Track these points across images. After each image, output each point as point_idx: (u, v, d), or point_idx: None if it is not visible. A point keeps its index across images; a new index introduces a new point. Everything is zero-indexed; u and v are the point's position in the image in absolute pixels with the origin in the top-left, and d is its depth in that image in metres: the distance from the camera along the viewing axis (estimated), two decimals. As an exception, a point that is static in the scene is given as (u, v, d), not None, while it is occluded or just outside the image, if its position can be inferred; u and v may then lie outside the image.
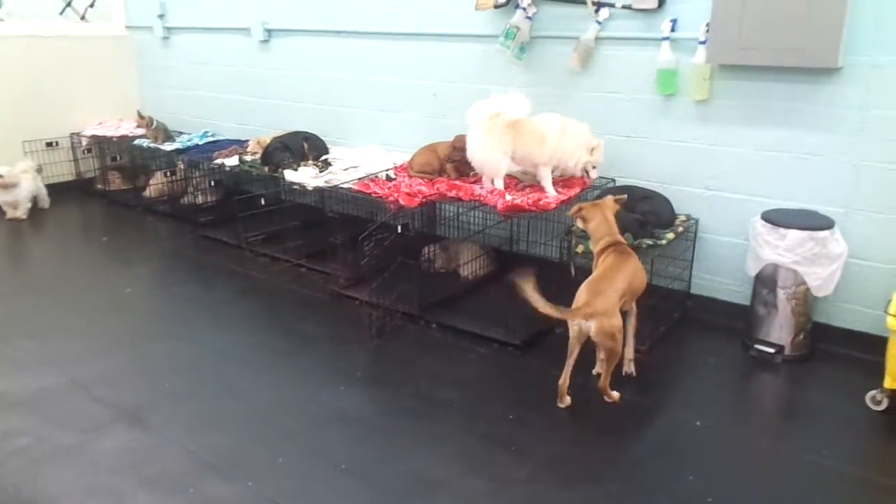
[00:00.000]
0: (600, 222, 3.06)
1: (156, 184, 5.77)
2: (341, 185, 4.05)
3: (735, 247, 3.63)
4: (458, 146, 3.89)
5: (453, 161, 3.94)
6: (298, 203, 4.26)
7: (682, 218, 3.63)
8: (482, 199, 3.49)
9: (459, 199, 3.62)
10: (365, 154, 4.73)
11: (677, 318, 3.70)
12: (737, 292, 3.69)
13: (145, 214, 5.61)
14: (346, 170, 4.49)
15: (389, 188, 3.87)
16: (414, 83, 4.61)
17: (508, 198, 3.38)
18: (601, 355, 2.96)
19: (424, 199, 3.64)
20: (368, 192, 3.82)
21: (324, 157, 4.69)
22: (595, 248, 3.08)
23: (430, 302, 3.79)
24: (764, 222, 3.26)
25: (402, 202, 3.62)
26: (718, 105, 3.52)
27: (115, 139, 5.83)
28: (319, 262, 4.38)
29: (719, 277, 3.73)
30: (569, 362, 2.90)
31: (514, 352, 3.39)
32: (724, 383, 3.22)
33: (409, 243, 3.69)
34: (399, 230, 3.51)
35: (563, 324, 2.93)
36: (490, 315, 3.63)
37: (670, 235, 3.39)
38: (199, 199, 5.37)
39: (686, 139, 3.66)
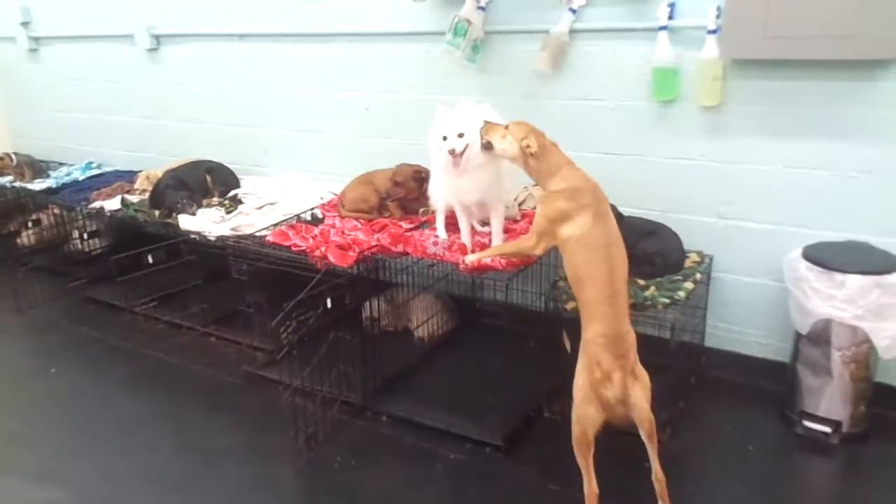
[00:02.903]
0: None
1: (32, 230, 4.65)
2: (252, 235, 3.10)
3: (760, 290, 2.87)
4: (400, 180, 3.00)
5: (396, 199, 3.05)
6: (201, 253, 3.32)
7: (694, 257, 2.84)
8: (438, 257, 2.62)
9: (406, 254, 2.73)
10: (284, 185, 3.79)
11: (695, 383, 2.91)
12: (763, 345, 2.93)
13: (16, 269, 4.47)
14: (260, 208, 3.55)
15: (314, 237, 2.95)
16: (340, 95, 3.70)
17: (471, 257, 2.50)
18: (645, 434, 2.14)
19: (361, 256, 2.73)
20: (287, 244, 2.89)
21: (232, 193, 3.73)
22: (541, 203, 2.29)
23: (378, 384, 2.89)
24: (809, 263, 2.50)
25: (331, 258, 2.71)
26: (733, 111, 2.74)
27: (-28, 177, 4.69)
28: (230, 329, 3.43)
29: (741, 327, 2.96)
30: (589, 459, 2.11)
31: (495, 455, 2.53)
32: (774, 481, 2.43)
33: (343, 299, 2.77)
34: (328, 305, 2.60)
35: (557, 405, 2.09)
36: (457, 399, 2.77)
37: (688, 285, 2.59)
38: (84, 247, 4.29)
39: (691, 155, 2.87)
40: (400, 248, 2.70)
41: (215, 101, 4.17)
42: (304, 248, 2.84)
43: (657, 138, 2.92)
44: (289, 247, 2.88)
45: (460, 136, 2.42)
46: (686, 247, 2.82)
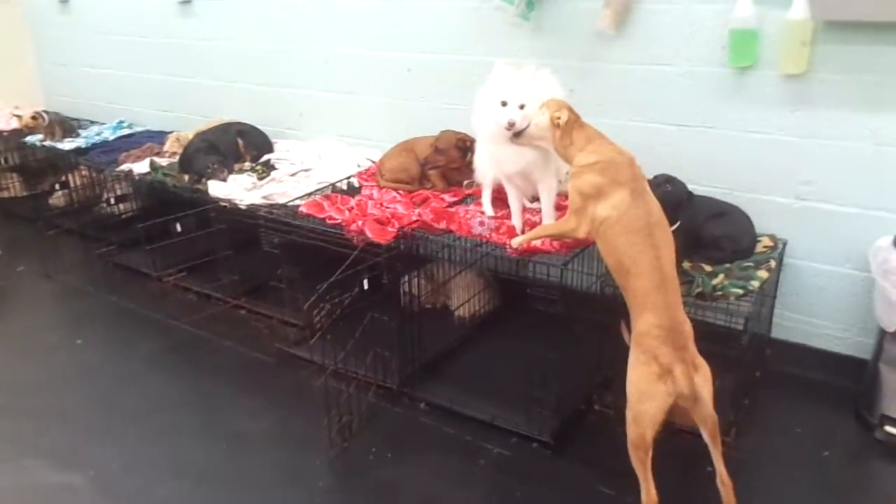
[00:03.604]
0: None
1: (62, 192, 4.54)
2: (285, 206, 2.91)
3: (839, 279, 2.60)
4: (441, 147, 2.77)
5: (436, 167, 2.83)
6: (232, 221, 3.15)
7: (766, 241, 2.57)
8: (484, 238, 2.39)
9: (450, 232, 2.51)
10: (320, 151, 3.59)
11: (759, 378, 2.67)
12: (838, 339, 2.67)
13: (46, 231, 4.37)
14: (293, 175, 3.36)
15: (350, 209, 2.75)
16: (381, 55, 3.45)
17: (520, 238, 2.27)
18: (708, 434, 1.94)
19: (400, 232, 2.52)
20: (322, 216, 2.70)
21: (265, 158, 3.54)
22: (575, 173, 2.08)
23: (416, 368, 2.71)
24: (904, 255, 2.22)
25: (369, 234, 2.51)
26: (820, 80, 2.44)
27: (3, 134, 4.58)
28: (261, 302, 3.28)
29: (815, 319, 2.70)
30: (647, 464, 1.90)
31: (542, 452, 2.34)
32: (852, 492, 2.21)
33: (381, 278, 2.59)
34: (365, 286, 2.40)
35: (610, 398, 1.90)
36: (501, 387, 2.58)
37: (762, 274, 2.33)
38: (113, 211, 4.16)
39: (769, 129, 2.58)
40: (443, 225, 2.49)
41: (249, 59, 3.95)
42: (339, 221, 2.64)
43: (731, 109, 2.63)
44: (323, 219, 2.69)
45: (521, 107, 2.16)
46: (757, 229, 2.56)
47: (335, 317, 2.32)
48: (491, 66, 2.62)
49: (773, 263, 2.41)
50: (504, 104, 2.17)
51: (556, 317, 2.33)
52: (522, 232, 2.39)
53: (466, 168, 2.84)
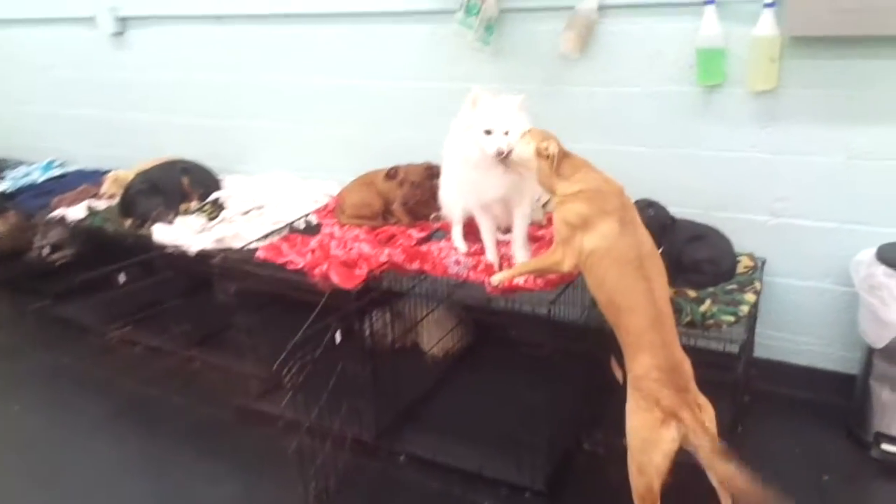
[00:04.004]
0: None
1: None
2: (240, 251, 2.70)
3: (819, 294, 2.56)
4: (415, 180, 2.64)
5: (405, 204, 2.68)
6: (181, 267, 2.92)
7: (746, 261, 2.51)
8: (462, 278, 2.25)
9: (424, 273, 2.36)
10: (272, 186, 3.39)
11: (749, 402, 2.60)
12: (822, 355, 2.63)
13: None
14: (245, 213, 3.15)
15: (313, 251, 2.57)
16: (335, 83, 3.28)
17: (500, 275, 2.14)
18: (718, 481, 1.78)
19: (370, 275, 2.36)
20: (282, 261, 2.51)
21: (213, 197, 3.32)
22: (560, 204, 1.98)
23: (392, 417, 2.54)
24: (889, 269, 2.18)
25: (335, 279, 2.33)
26: (790, 96, 2.40)
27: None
28: (217, 353, 3.04)
29: (797, 336, 2.65)
30: None
31: (536, 501, 2.21)
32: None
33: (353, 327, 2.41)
34: (337, 339, 2.22)
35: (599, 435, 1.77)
36: (485, 432, 2.43)
37: (749, 297, 2.26)
38: (47, 259, 3.83)
39: (741, 147, 2.53)
40: (416, 265, 2.33)
41: (191, 91, 3.73)
42: (301, 265, 2.46)
43: (701, 128, 2.57)
44: (284, 264, 2.49)
45: (506, 133, 2.05)
46: (734, 249, 2.49)
47: (306, 373, 2.13)
48: (451, 92, 2.52)
49: (757, 285, 2.34)
50: (489, 132, 2.05)
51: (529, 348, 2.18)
52: (500, 268, 2.25)
53: (433, 200, 2.70)
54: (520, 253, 2.26)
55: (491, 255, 2.31)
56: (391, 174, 2.74)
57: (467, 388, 2.79)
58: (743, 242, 2.55)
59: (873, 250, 2.30)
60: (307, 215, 2.97)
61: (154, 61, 3.80)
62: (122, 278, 3.04)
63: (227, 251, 2.75)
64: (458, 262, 2.27)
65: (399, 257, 2.36)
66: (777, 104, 2.42)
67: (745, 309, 2.19)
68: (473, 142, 2.10)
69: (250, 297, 2.63)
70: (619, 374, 2.13)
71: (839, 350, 2.58)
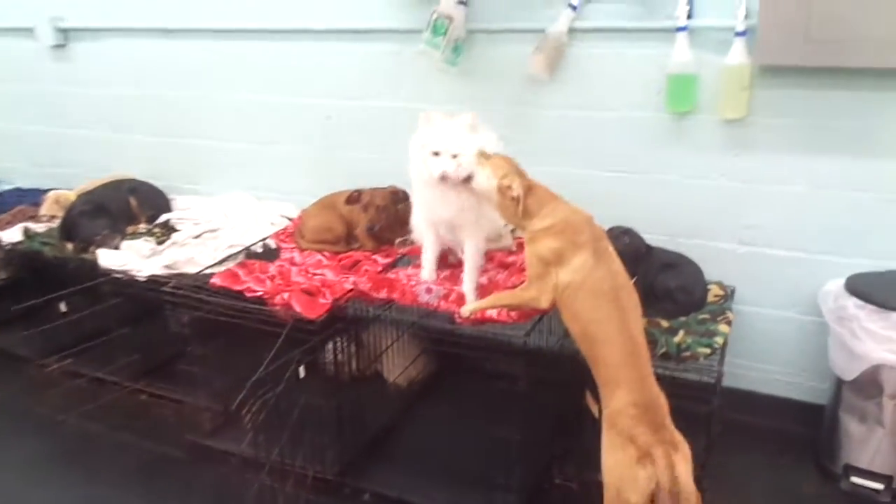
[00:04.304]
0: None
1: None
2: (194, 277, 2.55)
3: (787, 323, 2.56)
4: (381, 203, 2.54)
5: (370, 229, 2.58)
6: (129, 294, 2.74)
7: (716, 289, 2.49)
8: (432, 308, 2.15)
9: (392, 302, 2.26)
10: (227, 208, 3.24)
11: (720, 432, 2.56)
12: (790, 385, 2.63)
13: None
14: (198, 237, 2.99)
15: (272, 277, 2.43)
16: (297, 101, 3.16)
17: (471, 306, 2.05)
18: None
19: (335, 304, 2.24)
20: (239, 288, 2.37)
21: (163, 219, 3.15)
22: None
23: (355, 453, 2.41)
24: (859, 300, 2.18)
25: (297, 308, 2.21)
26: (759, 125, 2.40)
27: None
28: (167, 384, 2.86)
29: (764, 364, 2.64)
30: None
31: (510, 542, 2.11)
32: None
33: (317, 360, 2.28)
34: (301, 374, 2.10)
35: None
36: (453, 467, 2.34)
37: (723, 328, 2.23)
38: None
39: (710, 174, 2.52)
40: (384, 294, 2.22)
41: (140, 107, 3.54)
42: (261, 293, 2.32)
43: (670, 154, 2.55)
44: (241, 292, 2.35)
45: (454, 156, 1.98)
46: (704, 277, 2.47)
47: (267, 409, 1.99)
48: (416, 113, 2.43)
49: (730, 315, 2.31)
50: (436, 154, 1.99)
51: (496, 376, 2.09)
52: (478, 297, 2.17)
53: (398, 225, 2.61)
54: (469, 289, 2.17)
55: (427, 274, 2.24)
56: (353, 198, 2.63)
57: (433, 420, 2.69)
58: (712, 270, 2.53)
59: (841, 281, 2.30)
60: (265, 239, 2.83)
61: (99, 75, 3.61)
62: (62, 307, 2.83)
63: (179, 277, 2.59)
64: (429, 291, 2.18)
65: (365, 285, 2.24)
66: (747, 132, 2.42)
67: (719, 340, 2.15)
68: (423, 162, 2.04)
69: (205, 324, 2.47)
70: (594, 409, 2.06)
71: (807, 380, 2.58)
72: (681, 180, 2.57)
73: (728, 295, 2.47)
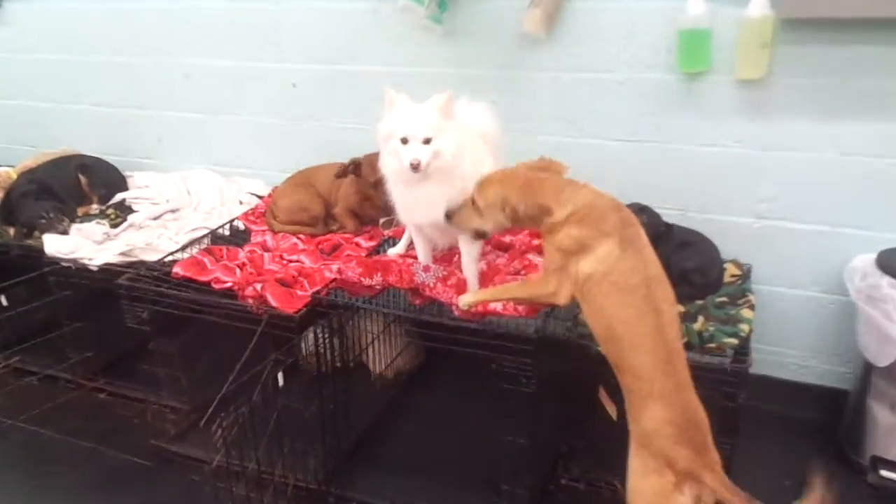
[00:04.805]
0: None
1: None
2: (153, 265, 2.27)
3: (806, 303, 2.37)
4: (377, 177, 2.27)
5: (363, 197, 2.31)
6: (80, 282, 2.45)
7: (732, 269, 2.28)
8: (429, 291, 1.90)
9: (388, 287, 2.00)
10: (188, 184, 2.94)
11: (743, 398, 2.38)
12: (806, 368, 2.45)
13: None
14: (157, 218, 2.70)
15: (242, 265, 2.17)
16: (258, 66, 2.85)
17: (471, 296, 1.81)
18: None
19: (318, 294, 1.99)
20: (205, 279, 2.09)
21: (117, 199, 2.84)
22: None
23: (340, 457, 2.18)
24: (893, 278, 1.99)
25: (272, 302, 1.95)
26: (780, 86, 2.17)
27: None
28: (128, 382, 2.59)
29: (780, 347, 2.45)
30: None
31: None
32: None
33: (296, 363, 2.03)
34: (280, 381, 1.84)
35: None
36: (448, 470, 2.13)
37: (747, 313, 2.02)
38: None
39: (724, 141, 2.29)
40: (377, 279, 1.95)
41: (88, 75, 3.19)
42: (230, 284, 2.05)
43: (680, 120, 2.32)
44: (208, 283, 2.08)
45: (426, 142, 1.72)
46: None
47: (240, 424, 1.74)
48: (396, 77, 2.18)
49: (752, 298, 2.10)
50: (405, 141, 1.73)
51: (490, 365, 1.86)
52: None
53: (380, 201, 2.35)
54: (470, 276, 1.93)
55: (422, 258, 2.01)
56: (352, 169, 2.33)
57: (425, 416, 2.47)
58: (726, 247, 2.31)
59: (871, 257, 2.11)
60: (233, 220, 2.55)
61: (41, 40, 3.24)
62: (2, 300, 2.52)
63: (136, 266, 2.31)
64: (426, 269, 1.92)
65: (355, 271, 1.97)
66: (766, 95, 2.19)
67: (745, 328, 1.94)
68: (392, 152, 1.77)
69: (166, 320, 2.20)
70: (610, 409, 1.85)
71: (828, 363, 2.41)
72: (692, 148, 2.34)
73: (745, 274, 2.26)
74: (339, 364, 2.49)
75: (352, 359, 2.48)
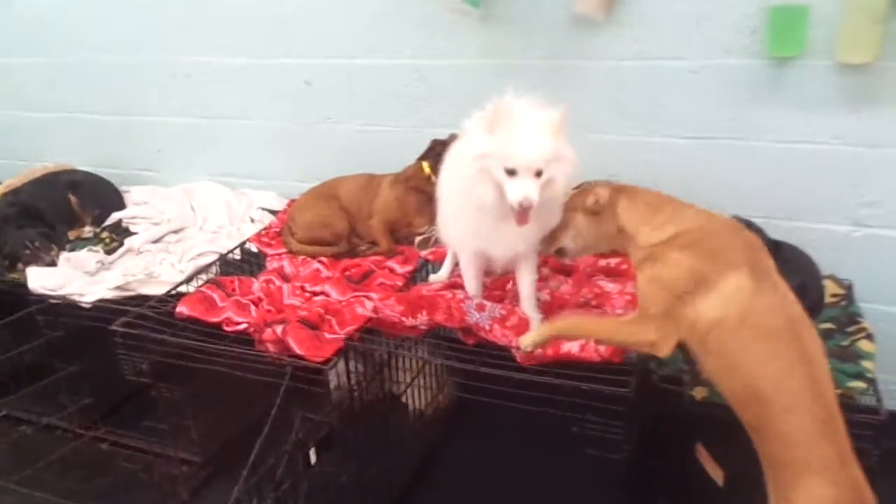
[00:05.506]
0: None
1: None
2: (154, 303, 1.93)
3: (914, 322, 2.02)
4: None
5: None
6: (73, 321, 2.13)
7: (832, 286, 1.94)
8: (487, 335, 1.56)
9: (435, 327, 1.66)
10: (192, 199, 2.61)
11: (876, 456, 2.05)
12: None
13: None
14: (158, 241, 2.38)
15: (258, 301, 1.84)
16: (266, 64, 2.51)
17: (534, 335, 1.47)
18: None
19: (353, 334, 1.66)
20: (214, 320, 1.76)
21: (113, 218, 2.52)
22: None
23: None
24: None
25: (295, 348, 1.62)
26: (892, 71, 1.82)
27: None
28: (131, 430, 2.28)
29: (889, 375, 2.09)
30: None
31: None
32: None
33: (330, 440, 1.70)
34: (312, 458, 1.52)
35: None
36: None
37: (866, 346, 1.68)
38: None
39: (821, 137, 1.95)
40: (422, 318, 1.61)
41: (77, 78, 2.85)
42: (244, 325, 1.73)
43: (766, 113, 1.98)
44: (218, 324, 1.76)
45: (538, 174, 1.38)
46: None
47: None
48: (425, 71, 1.86)
49: (866, 326, 1.76)
50: (512, 173, 1.37)
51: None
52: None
53: (417, 212, 2.03)
54: (531, 312, 1.62)
55: (473, 289, 1.67)
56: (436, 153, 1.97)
57: (470, 465, 2.13)
58: (819, 260, 1.96)
59: None
60: (243, 243, 2.22)
61: (20, 37, 2.89)
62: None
63: (134, 302, 1.98)
64: (480, 308, 1.58)
65: (394, 309, 1.64)
66: (873, 82, 1.85)
67: (868, 366, 1.61)
68: (488, 180, 1.42)
69: (171, 367, 1.88)
70: (715, 474, 1.52)
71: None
72: (780, 146, 2.00)
73: (848, 293, 1.92)
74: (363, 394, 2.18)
75: (386, 398, 2.16)
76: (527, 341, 1.50)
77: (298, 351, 1.61)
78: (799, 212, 2.03)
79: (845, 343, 1.70)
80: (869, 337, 1.72)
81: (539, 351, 1.49)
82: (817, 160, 1.97)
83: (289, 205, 2.35)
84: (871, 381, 1.56)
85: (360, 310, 1.73)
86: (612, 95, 2.10)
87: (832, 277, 1.98)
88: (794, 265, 1.84)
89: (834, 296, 1.91)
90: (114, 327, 1.77)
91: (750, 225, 1.70)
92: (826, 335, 1.74)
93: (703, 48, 1.97)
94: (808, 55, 1.87)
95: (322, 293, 1.86)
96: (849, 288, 1.97)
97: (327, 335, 1.66)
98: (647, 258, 1.32)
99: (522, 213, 1.38)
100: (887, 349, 2.04)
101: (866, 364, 1.61)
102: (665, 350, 1.31)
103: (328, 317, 1.73)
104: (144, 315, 1.84)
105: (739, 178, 2.05)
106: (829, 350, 1.67)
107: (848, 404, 1.52)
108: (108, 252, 2.30)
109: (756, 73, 1.94)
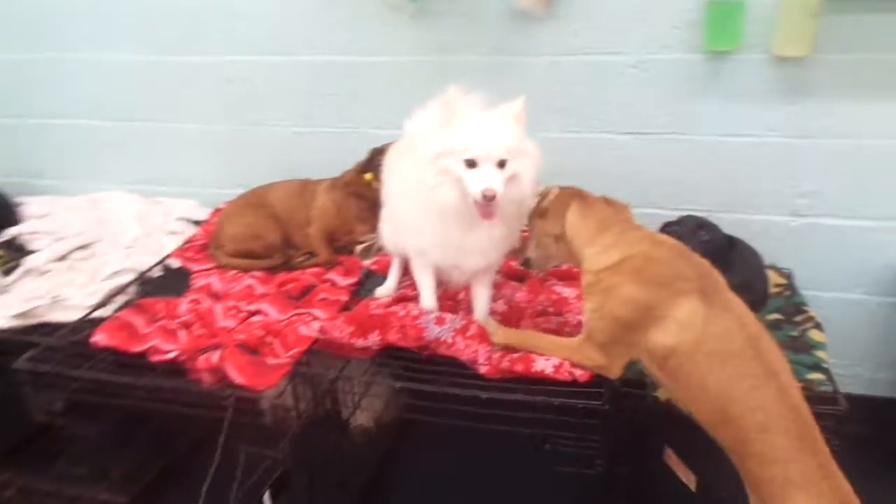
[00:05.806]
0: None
1: None
2: (64, 332, 1.72)
3: (848, 307, 2.09)
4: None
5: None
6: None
7: (775, 277, 1.96)
8: (450, 350, 1.46)
9: (387, 347, 1.54)
10: (103, 211, 2.38)
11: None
12: (852, 377, 2.17)
13: None
14: (63, 258, 2.15)
15: (188, 324, 1.67)
16: (183, 62, 2.31)
17: (507, 332, 1.40)
18: None
19: (298, 357, 1.52)
20: (138, 349, 1.58)
21: (8, 235, 2.26)
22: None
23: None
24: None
25: (236, 376, 1.47)
26: (825, 63, 1.85)
27: None
28: (40, 470, 2.02)
29: (844, 361, 2.16)
30: None
31: None
32: None
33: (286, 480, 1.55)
34: (266, 502, 1.38)
35: None
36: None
37: (816, 336, 1.70)
38: None
39: (757, 130, 1.97)
40: (373, 338, 1.50)
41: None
42: (173, 353, 1.55)
43: (705, 106, 1.98)
44: (143, 354, 1.57)
45: (501, 165, 1.29)
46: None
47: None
48: (356, 68, 1.76)
49: (812, 314, 1.79)
50: (472, 164, 1.28)
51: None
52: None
53: (356, 219, 1.91)
54: (481, 316, 1.56)
55: (428, 301, 1.57)
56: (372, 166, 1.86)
57: (423, 479, 2.04)
58: (760, 251, 1.99)
59: (938, 255, 1.83)
60: (164, 259, 2.02)
61: None
62: None
63: (40, 333, 1.76)
64: (439, 321, 1.48)
65: (343, 330, 1.51)
66: (808, 74, 1.88)
67: (821, 356, 1.62)
68: (450, 181, 1.33)
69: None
70: (687, 478, 1.48)
71: (870, 371, 2.15)
72: (717, 139, 2.01)
73: (789, 283, 1.95)
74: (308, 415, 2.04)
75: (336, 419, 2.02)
76: (499, 335, 1.44)
77: (239, 379, 1.46)
78: (739, 204, 2.05)
79: (795, 333, 1.72)
80: (818, 326, 1.74)
81: (507, 364, 1.42)
82: (755, 152, 1.99)
83: (214, 214, 2.17)
84: (827, 372, 1.58)
85: (304, 330, 1.59)
86: (551, 91, 2.06)
87: (773, 267, 2.01)
88: (739, 258, 1.86)
89: (777, 286, 1.93)
90: (17, 365, 1.55)
91: (704, 225, 1.68)
92: (774, 326, 1.76)
93: (642, 42, 1.95)
94: (744, 49, 1.89)
95: (259, 312, 1.71)
96: (789, 277, 2.00)
97: (270, 360, 1.52)
98: (594, 285, 1.28)
99: (486, 207, 1.29)
100: (829, 334, 2.11)
101: (820, 354, 1.63)
102: (615, 372, 1.32)
103: (269, 338, 1.58)
104: (53, 347, 1.63)
105: (680, 172, 2.05)
106: (781, 341, 1.66)
107: (809, 397, 1.53)
108: (6, 273, 2.04)
109: (694, 66, 1.94)
